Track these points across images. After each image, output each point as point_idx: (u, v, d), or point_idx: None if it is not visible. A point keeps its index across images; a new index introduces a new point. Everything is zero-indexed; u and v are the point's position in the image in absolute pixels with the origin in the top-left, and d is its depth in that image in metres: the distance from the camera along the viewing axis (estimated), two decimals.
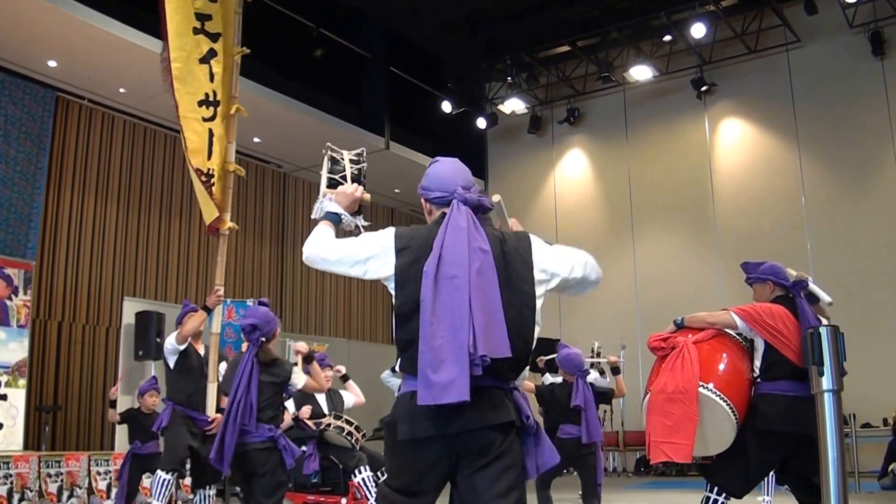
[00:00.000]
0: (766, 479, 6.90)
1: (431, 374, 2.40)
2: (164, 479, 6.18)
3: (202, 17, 6.51)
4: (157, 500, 6.13)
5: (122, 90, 11.60)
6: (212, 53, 6.58)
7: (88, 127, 11.90)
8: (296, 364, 6.33)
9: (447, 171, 2.81)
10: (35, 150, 10.76)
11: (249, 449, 4.94)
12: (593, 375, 9.81)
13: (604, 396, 6.52)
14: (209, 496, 6.76)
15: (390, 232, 2.69)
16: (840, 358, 3.02)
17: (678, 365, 4.17)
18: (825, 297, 4.52)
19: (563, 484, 6.00)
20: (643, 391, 4.46)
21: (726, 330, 4.35)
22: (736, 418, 4.09)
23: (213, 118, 6.56)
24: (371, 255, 2.66)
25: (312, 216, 3.03)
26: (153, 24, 9.95)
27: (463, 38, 14.92)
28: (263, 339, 5.12)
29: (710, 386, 4.10)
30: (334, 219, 2.87)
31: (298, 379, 5.88)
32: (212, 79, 6.57)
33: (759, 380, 4.24)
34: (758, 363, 4.27)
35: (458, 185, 2.73)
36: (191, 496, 6.67)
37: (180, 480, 7.69)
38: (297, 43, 13.42)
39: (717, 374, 4.15)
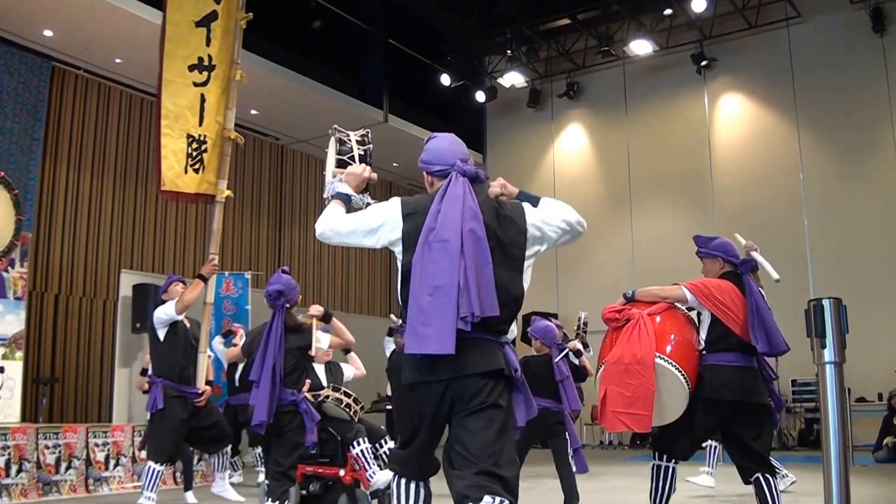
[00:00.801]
0: (711, 452, 7.36)
1: (420, 328, 2.68)
2: (156, 471, 6.08)
3: None
4: (149, 490, 6.02)
5: (118, 60, 11.50)
6: (213, 16, 6.45)
7: (84, 97, 11.81)
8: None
9: (446, 145, 3.06)
10: (31, 121, 10.67)
11: (274, 411, 5.17)
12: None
13: (579, 374, 6.52)
14: (225, 452, 6.81)
15: (397, 201, 2.96)
16: (842, 330, 3.02)
17: (635, 336, 4.34)
18: (772, 272, 4.96)
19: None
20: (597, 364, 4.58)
21: (676, 304, 4.56)
22: (689, 386, 4.29)
23: (205, 83, 6.44)
24: (381, 223, 2.91)
25: (324, 195, 3.21)
26: None
27: (462, 10, 14.81)
28: (288, 304, 5.35)
29: (665, 356, 4.29)
30: (345, 198, 3.09)
31: (324, 341, 5.95)
32: (208, 42, 6.44)
33: (704, 352, 4.47)
34: (703, 335, 4.50)
35: (456, 158, 2.98)
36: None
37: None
38: (296, 14, 13.31)
39: (671, 344, 4.35)
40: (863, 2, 13.04)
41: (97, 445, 8.19)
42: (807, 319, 3.09)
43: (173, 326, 6.23)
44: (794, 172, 13.65)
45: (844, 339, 3.05)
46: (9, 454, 7.29)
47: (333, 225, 2.97)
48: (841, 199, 13.22)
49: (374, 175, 3.24)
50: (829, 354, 3.03)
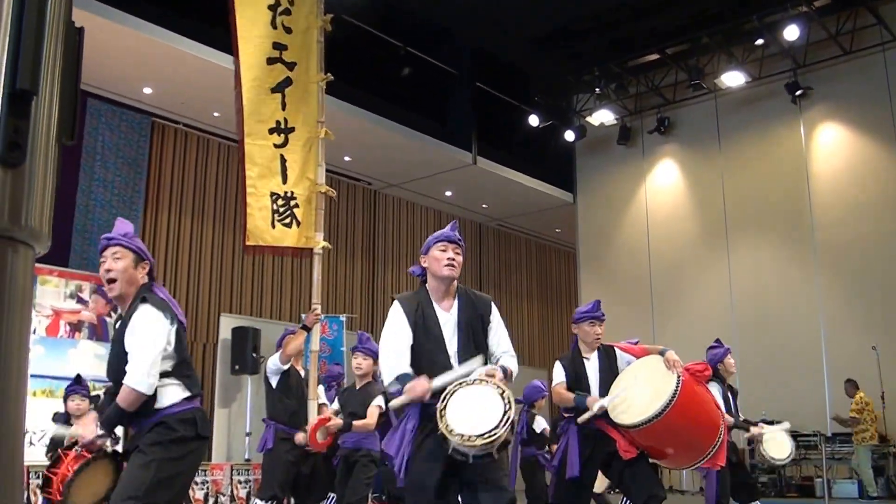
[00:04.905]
0: None
1: None
2: None
3: (280, 47, 6.74)
4: None
5: (215, 114, 11.95)
6: (287, 82, 6.77)
7: (184, 150, 12.31)
8: None
9: None
10: (132, 174, 11.19)
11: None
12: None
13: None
14: None
15: None
16: None
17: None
18: None
19: None
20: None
21: None
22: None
23: (283, 144, 6.76)
24: None
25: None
26: None
27: (549, 50, 14.86)
28: None
29: None
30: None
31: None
32: (283, 107, 6.77)
33: None
34: None
35: None
36: None
37: None
38: (385, 62, 13.61)
39: None
40: None
41: (196, 484, 8.39)
42: None
43: (285, 374, 6.51)
44: (895, 203, 13.09)
45: None
46: None
47: None
48: None
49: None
50: None
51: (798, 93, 13.92)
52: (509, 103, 15.87)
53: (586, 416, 4.96)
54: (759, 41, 13.74)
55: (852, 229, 13.34)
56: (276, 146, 6.69)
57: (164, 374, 3.51)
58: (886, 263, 12.79)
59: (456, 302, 3.88)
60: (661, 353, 5.12)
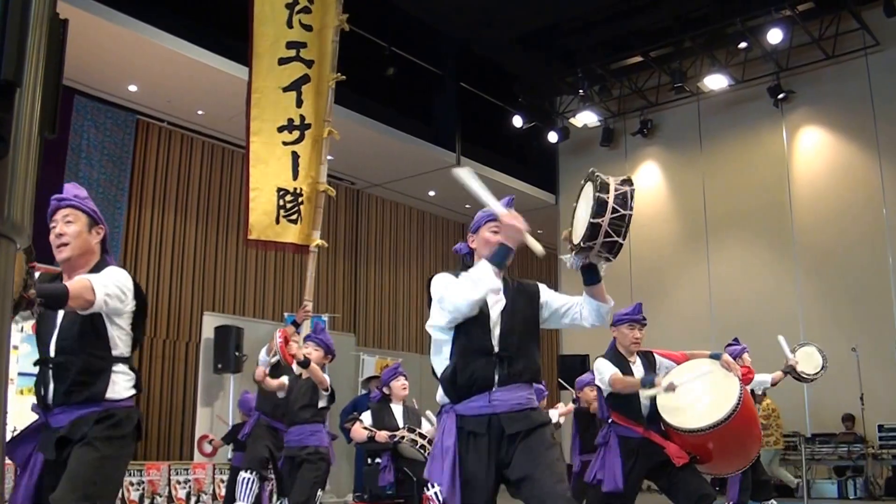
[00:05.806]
0: None
1: None
2: (246, 479, 6.50)
3: (297, 45, 6.71)
4: (242, 500, 6.40)
5: (200, 112, 11.91)
6: (305, 79, 6.75)
7: (168, 148, 12.24)
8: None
9: None
10: (116, 172, 11.13)
11: None
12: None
13: None
14: None
15: None
16: None
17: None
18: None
19: None
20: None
21: None
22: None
23: (298, 141, 6.75)
24: None
25: (568, 261, 3.45)
26: (230, 47, 10.25)
27: (534, 51, 14.90)
28: None
29: None
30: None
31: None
32: (299, 104, 6.75)
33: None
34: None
35: None
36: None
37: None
38: (369, 61, 13.59)
39: None
40: None
41: (179, 483, 8.36)
42: None
43: (275, 368, 6.65)
44: (877, 208, 13.16)
45: None
46: None
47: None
48: None
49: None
50: None
51: (780, 96, 14.01)
52: (493, 104, 15.89)
53: (652, 391, 4.66)
54: (743, 45, 13.79)
55: (833, 232, 13.43)
56: (286, 143, 6.70)
57: (120, 360, 3.30)
58: (866, 266, 12.89)
59: (502, 290, 3.46)
60: (714, 358, 5.00)
